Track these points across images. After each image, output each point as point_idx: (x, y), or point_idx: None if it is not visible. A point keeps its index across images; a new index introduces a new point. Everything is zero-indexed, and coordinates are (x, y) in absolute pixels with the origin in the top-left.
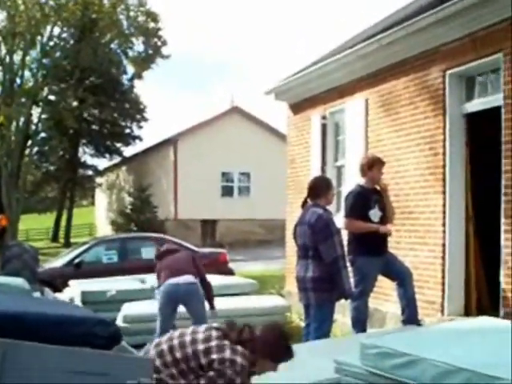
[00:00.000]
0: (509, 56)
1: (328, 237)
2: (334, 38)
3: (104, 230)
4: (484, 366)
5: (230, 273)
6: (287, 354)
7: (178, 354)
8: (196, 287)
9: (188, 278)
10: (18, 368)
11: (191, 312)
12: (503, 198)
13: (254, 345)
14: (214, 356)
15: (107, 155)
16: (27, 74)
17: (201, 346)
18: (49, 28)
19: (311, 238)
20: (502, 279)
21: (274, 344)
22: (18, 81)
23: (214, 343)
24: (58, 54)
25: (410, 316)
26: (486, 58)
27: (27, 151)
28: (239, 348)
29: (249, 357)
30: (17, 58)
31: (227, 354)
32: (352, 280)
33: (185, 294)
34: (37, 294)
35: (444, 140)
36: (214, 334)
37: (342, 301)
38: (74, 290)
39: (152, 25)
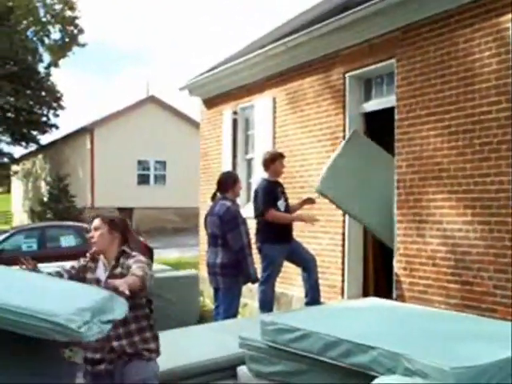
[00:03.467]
0: (401, 62)
1: (235, 227)
2: (249, 32)
3: (20, 217)
4: (362, 337)
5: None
6: None
7: None
8: None
9: None
10: None
11: None
12: (396, 191)
13: None
14: None
15: (23, 143)
16: None
17: None
18: None
19: (220, 228)
20: (395, 264)
21: None
22: None
23: None
24: None
25: (313, 299)
26: (381, 62)
27: None
28: None
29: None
30: None
31: None
32: (260, 266)
33: None
34: None
35: (344, 137)
36: None
37: (253, 287)
38: None
39: (69, 13)
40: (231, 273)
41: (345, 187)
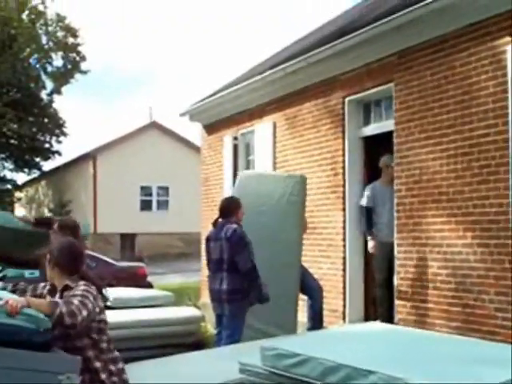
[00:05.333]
0: (399, 86)
1: (243, 249)
2: (252, 57)
3: None
4: (362, 362)
5: (149, 286)
6: None
7: None
8: None
9: None
10: None
11: None
12: (396, 215)
13: None
14: None
15: (26, 170)
16: None
17: None
18: None
19: (228, 252)
20: (396, 288)
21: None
22: None
23: None
24: None
25: (315, 326)
26: (380, 86)
27: None
28: None
29: None
30: None
31: None
32: None
33: None
34: None
35: (344, 161)
36: None
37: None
38: None
39: (71, 40)
40: (238, 298)
41: None
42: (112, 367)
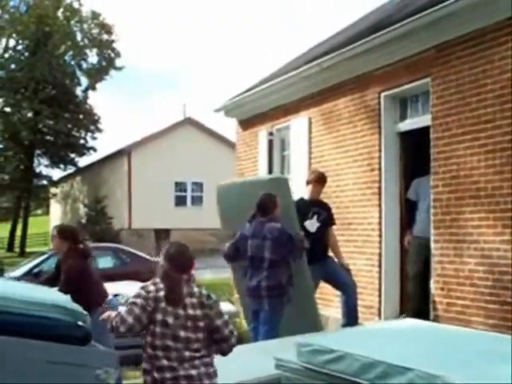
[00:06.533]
0: (436, 81)
1: (298, 247)
2: (287, 52)
3: None
4: (399, 359)
5: None
6: None
7: None
8: None
9: None
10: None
11: None
12: (432, 211)
13: None
14: None
15: (62, 166)
16: None
17: None
18: (4, 40)
19: (274, 251)
20: (432, 285)
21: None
22: None
23: None
24: (12, 66)
25: (350, 323)
26: (416, 81)
27: None
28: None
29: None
30: None
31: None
32: None
33: None
34: None
35: (380, 157)
36: None
37: None
38: None
39: (105, 37)
40: (277, 294)
41: None
42: (156, 375)
